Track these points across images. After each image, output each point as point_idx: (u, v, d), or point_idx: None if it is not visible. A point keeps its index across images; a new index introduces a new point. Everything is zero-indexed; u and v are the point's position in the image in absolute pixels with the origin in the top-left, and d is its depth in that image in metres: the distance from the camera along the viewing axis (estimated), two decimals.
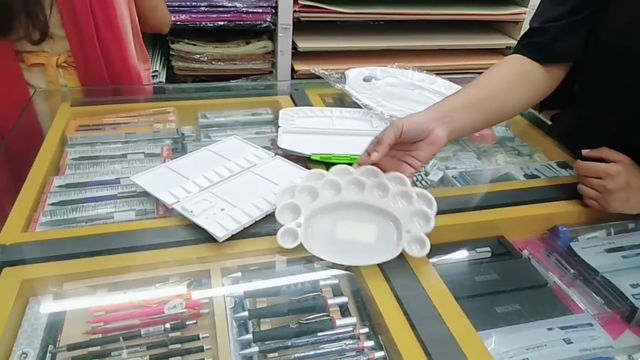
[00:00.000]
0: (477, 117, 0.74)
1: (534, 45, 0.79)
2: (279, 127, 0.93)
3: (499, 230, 0.74)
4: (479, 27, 2.01)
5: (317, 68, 1.13)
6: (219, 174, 0.75)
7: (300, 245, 0.61)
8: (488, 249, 0.72)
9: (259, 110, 1.06)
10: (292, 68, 1.83)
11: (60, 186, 0.75)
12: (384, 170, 0.68)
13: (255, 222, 0.66)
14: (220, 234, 0.62)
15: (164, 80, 1.70)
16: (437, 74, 1.15)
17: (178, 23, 1.66)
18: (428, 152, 0.69)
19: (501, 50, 1.97)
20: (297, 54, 1.80)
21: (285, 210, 0.65)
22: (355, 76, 1.12)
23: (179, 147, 0.93)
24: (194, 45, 1.74)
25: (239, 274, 0.61)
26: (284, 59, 1.81)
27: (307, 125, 0.95)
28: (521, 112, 0.96)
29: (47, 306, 0.57)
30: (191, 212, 0.65)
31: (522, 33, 0.84)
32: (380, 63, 1.79)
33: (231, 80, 1.81)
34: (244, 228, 0.65)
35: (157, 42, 1.86)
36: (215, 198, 0.69)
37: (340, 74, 1.14)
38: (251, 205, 0.67)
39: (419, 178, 0.86)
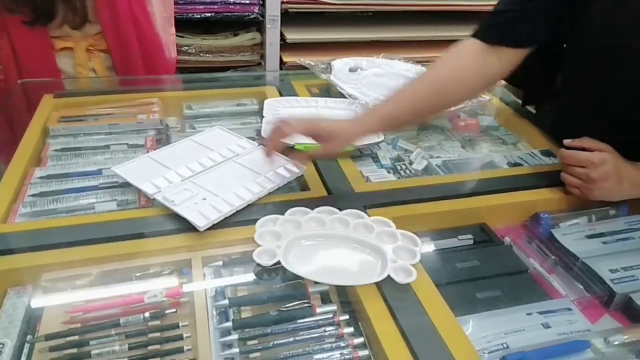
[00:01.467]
0: (408, 123, 0.81)
1: (488, 28, 0.77)
2: (263, 117, 0.93)
3: (481, 218, 0.75)
4: (467, 18, 2.00)
5: (305, 59, 1.13)
6: (202, 164, 0.75)
7: (278, 263, 0.59)
8: (470, 236, 0.72)
9: (244, 101, 1.06)
10: (281, 60, 1.82)
11: (41, 177, 0.75)
12: None
13: (237, 211, 0.66)
14: (201, 223, 0.62)
15: None
16: (426, 65, 1.14)
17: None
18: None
19: None
20: (285, 46, 1.80)
21: (265, 235, 0.62)
22: (341, 67, 1.12)
23: (163, 138, 0.92)
24: (182, 37, 1.73)
25: (220, 262, 0.61)
26: (272, 51, 1.80)
27: (292, 116, 0.95)
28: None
29: (26, 297, 0.57)
30: (172, 201, 0.65)
31: None
32: (369, 54, 1.79)
33: (219, 73, 1.81)
34: (225, 217, 0.65)
35: None
36: (197, 188, 0.69)
37: (327, 65, 1.13)
38: (233, 195, 0.67)
39: (403, 167, 0.86)
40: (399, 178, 0.84)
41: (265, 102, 0.97)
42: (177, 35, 1.72)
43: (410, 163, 0.87)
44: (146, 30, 1.11)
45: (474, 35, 0.77)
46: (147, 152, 0.84)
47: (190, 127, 0.97)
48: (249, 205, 0.67)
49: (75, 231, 0.63)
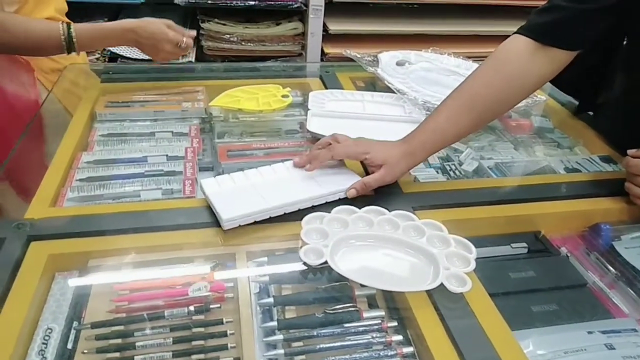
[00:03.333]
0: (450, 138, 0.72)
1: (541, 26, 0.71)
2: (308, 109, 0.91)
3: (536, 226, 0.71)
4: (517, 13, 1.92)
5: (350, 51, 1.10)
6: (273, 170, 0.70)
7: (326, 263, 0.56)
8: (524, 244, 0.68)
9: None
10: (322, 51, 1.80)
11: (88, 162, 0.75)
12: None
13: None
14: (225, 215, 0.60)
15: (193, 60, 1.69)
16: (477, 61, 1.10)
17: (209, 2, 1.64)
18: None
19: None
20: (327, 37, 1.77)
21: (312, 232, 0.59)
22: (388, 60, 1.09)
23: (207, 127, 0.91)
24: (224, 25, 1.73)
25: (265, 258, 0.60)
26: (314, 41, 1.78)
27: (337, 109, 0.92)
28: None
29: (73, 282, 0.57)
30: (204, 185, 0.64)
31: None
32: (414, 48, 1.75)
33: (260, 62, 1.80)
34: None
35: (187, 20, 1.85)
36: (251, 187, 0.66)
37: (373, 57, 1.10)
38: (276, 197, 0.64)
39: (452, 167, 0.83)
40: (448, 179, 0.80)
41: (311, 94, 0.95)
42: (219, 23, 1.73)
43: (460, 164, 0.84)
44: None
45: (524, 32, 0.72)
46: (192, 141, 0.83)
47: (234, 117, 0.96)
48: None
49: (121, 219, 0.62)
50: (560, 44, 0.70)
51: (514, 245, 0.68)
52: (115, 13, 1.83)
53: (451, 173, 0.82)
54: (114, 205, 0.66)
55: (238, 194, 0.64)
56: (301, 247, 0.57)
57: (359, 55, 1.08)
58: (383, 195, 0.70)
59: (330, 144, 0.71)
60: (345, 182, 0.67)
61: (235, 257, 0.60)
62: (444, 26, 1.82)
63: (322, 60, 1.81)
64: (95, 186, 0.70)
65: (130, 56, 1.62)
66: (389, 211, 0.65)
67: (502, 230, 0.70)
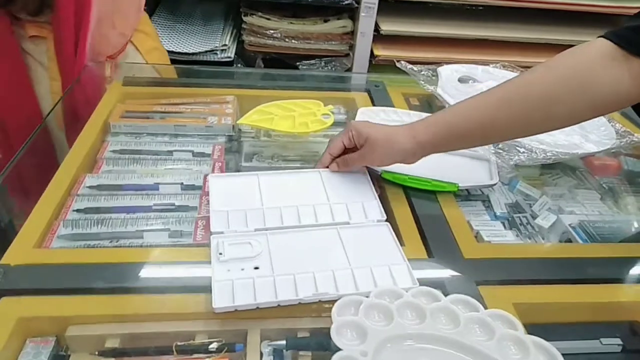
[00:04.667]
0: (474, 143, 0.64)
1: (629, 31, 0.54)
2: None
3: (633, 314, 0.55)
4: (591, 19, 1.71)
5: (403, 59, 0.95)
6: (298, 216, 0.59)
7: None
8: (618, 340, 0.53)
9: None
10: (372, 52, 1.64)
11: (91, 187, 0.64)
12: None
13: None
14: (217, 303, 0.47)
15: (232, 55, 1.58)
16: None
17: None
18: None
19: None
20: (378, 37, 1.61)
21: (345, 329, 0.45)
22: (449, 75, 0.93)
23: (234, 146, 0.79)
24: (268, 19, 1.60)
25: (284, 342, 0.47)
26: (364, 42, 1.63)
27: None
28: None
29: (46, 352, 0.46)
30: (220, 254, 0.52)
31: None
32: (475, 55, 1.58)
33: (303, 61, 1.67)
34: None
35: (230, 13, 1.74)
36: (262, 248, 0.54)
37: (432, 71, 0.95)
38: (290, 279, 0.50)
39: (524, 221, 0.68)
40: (518, 235, 0.65)
41: (359, 111, 0.81)
42: (263, 17, 1.61)
43: (534, 217, 0.68)
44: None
45: (608, 36, 0.55)
46: (214, 164, 0.71)
47: (265, 135, 0.84)
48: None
49: (114, 272, 0.51)
50: None
51: (604, 340, 0.53)
52: (154, 4, 1.74)
53: (522, 228, 0.67)
54: (110, 251, 0.55)
55: (245, 263, 0.52)
56: (334, 352, 0.43)
57: (415, 69, 0.93)
58: (439, 259, 0.56)
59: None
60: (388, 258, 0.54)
61: (246, 336, 0.47)
62: (508, 32, 1.63)
63: (370, 62, 1.66)
64: (93, 221, 0.59)
65: (170, 49, 1.52)
66: (446, 295, 0.51)
67: (589, 318, 0.54)
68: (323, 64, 1.69)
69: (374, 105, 0.87)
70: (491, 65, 0.98)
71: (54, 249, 0.54)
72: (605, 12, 1.61)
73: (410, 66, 0.93)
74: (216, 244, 0.53)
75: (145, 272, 0.51)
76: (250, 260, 0.52)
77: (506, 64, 1.00)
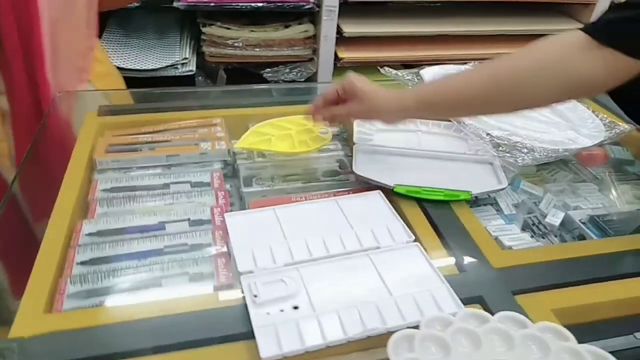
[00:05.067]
0: (460, 114, 0.73)
1: (602, 24, 0.58)
2: (353, 144, 0.76)
3: None
4: (545, 10, 1.78)
5: (368, 60, 0.95)
6: (325, 246, 0.56)
7: None
8: None
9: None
10: (336, 55, 1.63)
11: (90, 234, 0.59)
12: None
13: None
14: (264, 352, 0.44)
15: (193, 68, 1.52)
16: None
17: (211, 4, 1.47)
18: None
19: None
20: (341, 39, 1.60)
21: None
22: (432, 78, 0.93)
23: (229, 171, 0.76)
24: (228, 29, 1.55)
25: None
26: (327, 45, 1.61)
27: (387, 143, 0.77)
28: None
29: None
30: (255, 296, 0.49)
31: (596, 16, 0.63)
32: (439, 50, 1.60)
33: (267, 69, 1.63)
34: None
35: (185, 24, 1.67)
36: (297, 284, 0.51)
37: (414, 74, 0.95)
38: (334, 316, 0.47)
39: (535, 222, 0.68)
40: (532, 236, 0.66)
41: (355, 123, 0.79)
42: (222, 27, 1.56)
43: (543, 215, 0.69)
44: None
45: (581, 29, 0.59)
46: (216, 193, 0.67)
47: (259, 155, 0.80)
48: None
49: (142, 328, 0.47)
50: (619, 45, 0.56)
51: (638, 335, 0.54)
52: (105, 16, 1.65)
53: (534, 228, 0.67)
54: (130, 307, 0.50)
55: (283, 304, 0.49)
56: None
57: (400, 74, 0.92)
58: (471, 273, 0.56)
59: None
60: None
61: None
62: (467, 26, 1.66)
63: (335, 66, 1.64)
64: (103, 273, 0.54)
65: (122, 66, 1.44)
66: (486, 308, 0.51)
67: (622, 313, 0.56)
68: (288, 70, 1.66)
69: None
70: (470, 64, 0.99)
71: (67, 311, 0.49)
72: (555, 2, 1.67)
73: (394, 72, 0.93)
74: (248, 285, 0.50)
75: (175, 326, 0.47)
76: (288, 299, 0.49)
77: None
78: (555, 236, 0.67)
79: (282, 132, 0.76)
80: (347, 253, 0.55)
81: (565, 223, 0.68)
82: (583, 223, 0.66)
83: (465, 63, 0.99)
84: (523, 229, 0.67)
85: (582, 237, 0.66)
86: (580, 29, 0.59)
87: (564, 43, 0.59)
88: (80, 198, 0.65)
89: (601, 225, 0.65)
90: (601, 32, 0.57)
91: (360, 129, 0.78)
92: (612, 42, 0.56)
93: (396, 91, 0.68)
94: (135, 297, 0.52)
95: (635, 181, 0.79)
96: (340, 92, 0.68)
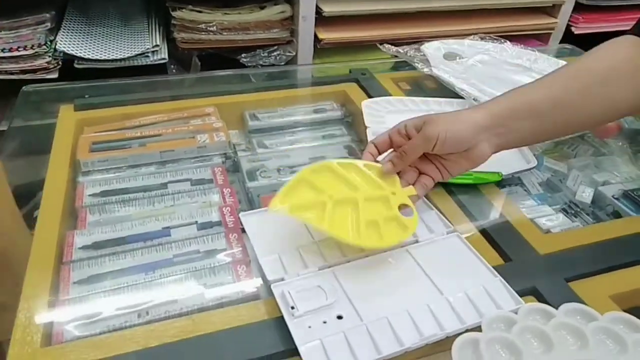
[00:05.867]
0: (550, 126, 0.53)
1: None
2: (366, 128, 0.69)
3: None
4: None
5: (349, 41, 0.89)
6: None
7: None
8: None
9: (322, 104, 0.81)
10: (316, 36, 1.56)
11: (85, 247, 0.51)
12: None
13: None
14: None
15: (165, 56, 1.41)
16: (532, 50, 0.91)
17: None
18: (461, 167, 0.53)
19: (544, 9, 1.71)
20: (320, 20, 1.52)
21: None
22: (433, 53, 0.88)
23: (230, 165, 0.68)
24: (200, 12, 1.45)
25: None
26: (306, 26, 1.53)
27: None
28: (629, 114, 0.71)
29: None
30: (292, 309, 0.42)
31: None
32: (421, 28, 1.55)
33: (244, 54, 1.54)
34: None
35: (151, 9, 1.56)
36: (336, 290, 0.45)
37: (415, 49, 0.89)
38: (385, 326, 0.42)
39: (565, 200, 0.64)
40: (566, 215, 0.62)
41: (364, 105, 0.73)
42: (193, 11, 1.46)
43: (573, 193, 0.65)
44: None
45: (633, 32, 0.55)
46: (221, 190, 0.60)
47: (260, 145, 0.73)
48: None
49: (162, 356, 0.40)
50: None
51: None
52: (62, 3, 1.52)
53: (567, 209, 0.63)
54: (145, 332, 0.42)
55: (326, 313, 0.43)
56: None
57: (402, 51, 0.86)
58: (518, 262, 0.51)
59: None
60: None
61: None
62: (450, 1, 1.61)
63: (315, 47, 1.57)
64: (105, 293, 0.46)
65: (89, 56, 1.33)
66: (543, 299, 0.46)
67: None
68: (266, 54, 1.57)
69: (369, 96, 0.80)
70: (469, 38, 0.94)
71: (70, 342, 0.42)
72: None
73: (395, 49, 0.87)
74: (281, 294, 0.44)
75: (203, 349, 0.41)
76: (329, 308, 0.43)
77: (482, 34, 0.96)
78: (587, 214, 0.63)
79: (342, 192, 0.51)
80: (383, 250, 0.49)
81: (597, 200, 0.65)
82: (616, 199, 0.63)
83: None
84: (555, 209, 0.63)
85: (616, 214, 0.62)
86: (630, 33, 0.55)
87: (629, 48, 0.53)
88: (66, 205, 0.56)
89: (637, 200, 0.62)
90: None
91: (369, 110, 0.72)
92: None
93: (474, 107, 0.55)
94: (149, 317, 0.44)
95: None
96: (395, 138, 0.54)
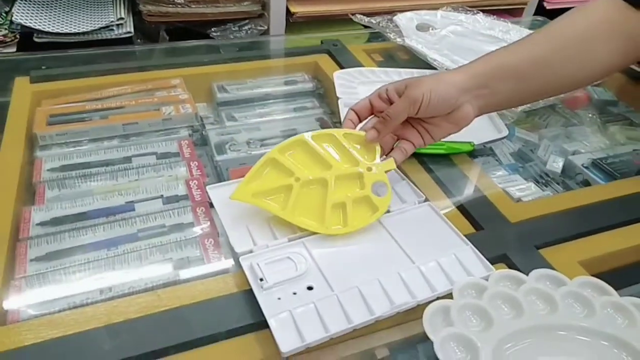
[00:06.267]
0: (531, 87, 0.53)
1: None
2: (337, 99, 0.68)
3: None
4: None
5: (322, 14, 0.87)
6: None
7: None
8: None
9: (292, 76, 0.79)
10: (288, 10, 1.52)
11: (42, 224, 0.49)
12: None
13: None
14: (284, 346, 0.37)
15: (131, 29, 1.36)
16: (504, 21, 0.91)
17: None
18: (445, 130, 0.53)
19: None
20: None
21: (448, 343, 0.37)
22: (406, 24, 0.87)
23: (197, 138, 0.66)
24: None
25: None
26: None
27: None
28: (605, 76, 0.69)
29: None
30: (261, 280, 0.41)
31: None
32: (395, 0, 1.53)
33: (213, 28, 1.49)
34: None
35: None
36: (307, 261, 0.44)
37: (388, 20, 0.87)
38: (356, 295, 0.41)
39: (537, 170, 0.65)
40: (537, 184, 0.62)
41: (335, 75, 0.71)
42: None
43: (543, 163, 0.65)
44: None
45: None
46: (188, 164, 0.58)
47: (228, 118, 0.71)
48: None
49: (131, 332, 0.38)
50: None
51: None
52: None
53: (539, 178, 0.64)
54: (109, 308, 0.41)
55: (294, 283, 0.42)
56: None
57: (374, 21, 0.84)
58: (490, 231, 0.51)
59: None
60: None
61: None
62: None
63: (288, 21, 1.53)
64: (66, 269, 0.44)
65: (49, 29, 1.26)
66: (513, 266, 0.46)
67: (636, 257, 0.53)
68: (237, 28, 1.53)
69: (340, 67, 0.78)
70: (442, 9, 0.93)
71: (27, 321, 0.40)
72: None
73: (368, 19, 0.85)
74: (250, 266, 0.42)
75: (170, 323, 0.39)
76: (299, 279, 0.42)
77: (455, 5, 0.95)
78: (558, 183, 0.64)
79: (313, 170, 0.49)
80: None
81: (567, 169, 0.65)
82: (586, 168, 0.63)
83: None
84: (527, 179, 0.63)
85: (586, 182, 0.63)
86: None
87: (608, 8, 0.53)
88: (22, 180, 0.53)
89: (605, 168, 0.62)
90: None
91: (341, 81, 0.71)
92: None
93: (457, 69, 0.54)
94: (112, 293, 0.43)
95: (621, 122, 0.77)
96: (376, 103, 0.53)
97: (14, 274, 0.44)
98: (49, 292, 0.42)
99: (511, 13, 1.64)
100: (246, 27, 1.55)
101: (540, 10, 1.63)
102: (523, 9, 1.65)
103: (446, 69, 0.74)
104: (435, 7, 0.97)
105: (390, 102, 0.52)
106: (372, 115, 0.54)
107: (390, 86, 0.52)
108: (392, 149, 0.54)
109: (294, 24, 1.53)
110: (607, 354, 0.39)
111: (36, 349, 0.37)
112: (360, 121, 0.54)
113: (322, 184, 0.48)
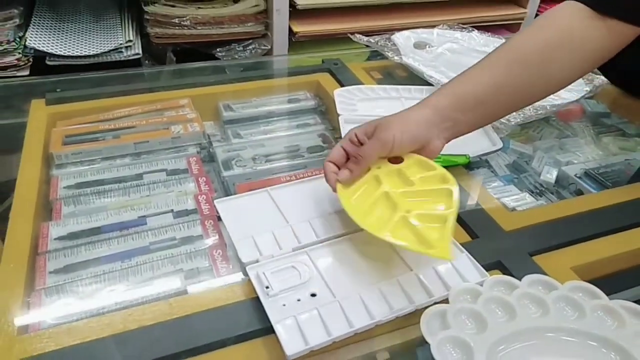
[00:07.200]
0: (495, 110, 0.56)
1: None
2: (338, 115, 0.71)
3: None
4: None
5: (323, 33, 0.90)
6: (330, 225, 0.51)
7: None
8: None
9: (295, 94, 0.82)
10: (290, 30, 1.56)
11: (60, 238, 0.51)
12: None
13: None
14: (289, 349, 0.39)
15: (139, 51, 1.40)
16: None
17: None
18: None
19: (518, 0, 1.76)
20: (294, 13, 1.53)
21: (444, 345, 0.39)
22: (403, 43, 0.90)
23: (205, 155, 0.69)
24: (173, 6, 1.44)
25: None
26: (280, 19, 1.53)
27: (372, 112, 0.72)
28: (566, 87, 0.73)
29: None
30: (267, 288, 0.44)
31: None
32: (393, 19, 1.57)
33: (219, 48, 1.54)
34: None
35: (123, 4, 1.54)
36: (310, 269, 0.46)
37: (385, 39, 0.91)
38: (357, 300, 0.43)
39: (531, 180, 0.67)
40: (531, 194, 0.64)
41: (336, 92, 0.74)
42: (166, 5, 1.45)
43: (537, 174, 0.68)
44: None
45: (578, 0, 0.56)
46: (196, 180, 0.61)
47: (234, 135, 0.74)
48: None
49: (144, 340, 0.41)
50: (623, 14, 0.54)
51: None
52: (30, 2, 1.49)
53: (532, 187, 0.66)
54: (123, 317, 0.43)
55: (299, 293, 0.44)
56: None
57: (372, 41, 0.88)
58: (485, 239, 0.53)
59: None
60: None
61: None
62: None
63: (290, 40, 1.57)
64: (82, 282, 0.47)
65: (61, 52, 1.31)
66: (507, 272, 0.48)
67: (637, 262, 0.55)
68: (241, 48, 1.57)
69: (341, 85, 0.81)
70: (439, 27, 0.96)
71: (47, 330, 0.42)
72: None
73: (367, 38, 0.88)
74: (256, 275, 0.45)
75: (181, 330, 0.42)
76: (303, 286, 0.44)
77: (451, 23, 0.99)
78: (552, 193, 0.66)
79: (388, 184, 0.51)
80: (355, 231, 0.51)
81: (560, 179, 0.67)
82: (579, 178, 0.66)
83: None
84: (522, 190, 0.66)
85: (579, 192, 0.65)
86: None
87: (571, 17, 0.55)
88: (40, 199, 0.56)
89: (598, 178, 0.65)
90: (603, 3, 0.54)
91: (341, 99, 0.74)
92: (616, 12, 0.54)
93: (422, 102, 0.55)
94: (126, 303, 0.45)
95: (614, 132, 0.80)
96: (348, 147, 0.53)
97: (35, 286, 0.46)
98: (67, 302, 0.45)
99: (508, 28, 1.67)
100: (250, 47, 1.60)
101: None
102: (520, 24, 1.69)
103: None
104: (432, 25, 1.01)
105: (361, 144, 0.52)
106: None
107: (358, 129, 0.53)
108: None
109: (296, 43, 1.58)
110: (596, 355, 0.41)
111: (57, 355, 0.40)
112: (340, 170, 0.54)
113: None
